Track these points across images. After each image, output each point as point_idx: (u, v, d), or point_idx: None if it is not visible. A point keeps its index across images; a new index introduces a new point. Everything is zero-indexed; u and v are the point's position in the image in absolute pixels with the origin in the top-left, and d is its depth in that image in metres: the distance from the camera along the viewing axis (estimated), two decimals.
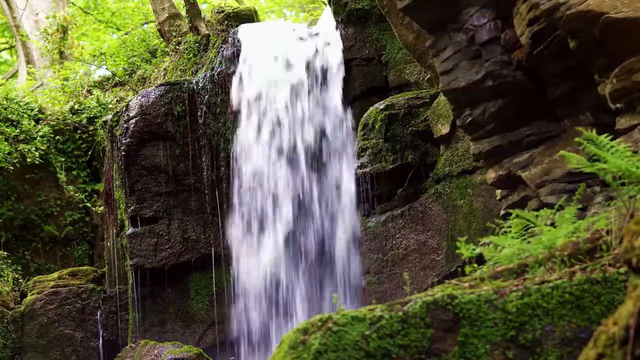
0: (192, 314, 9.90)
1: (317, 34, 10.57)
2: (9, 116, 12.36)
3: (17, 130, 12.13)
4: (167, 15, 12.76)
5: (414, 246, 8.59)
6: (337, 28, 10.40)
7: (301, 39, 10.50)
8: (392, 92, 9.75)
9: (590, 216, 4.06)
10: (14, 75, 19.83)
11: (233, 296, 9.68)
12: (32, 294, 10.28)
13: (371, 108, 9.09)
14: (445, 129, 8.45)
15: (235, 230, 9.76)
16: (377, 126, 8.87)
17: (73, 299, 10.19)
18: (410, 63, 9.63)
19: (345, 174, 9.66)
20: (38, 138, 12.17)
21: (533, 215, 3.49)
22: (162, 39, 13.17)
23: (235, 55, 10.45)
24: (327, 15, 10.89)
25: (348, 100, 10.06)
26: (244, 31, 10.74)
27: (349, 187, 9.53)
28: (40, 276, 10.91)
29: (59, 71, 14.51)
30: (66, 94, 13.67)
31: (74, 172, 12.61)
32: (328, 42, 10.36)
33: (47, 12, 16.51)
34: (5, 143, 11.73)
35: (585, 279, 2.78)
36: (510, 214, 3.69)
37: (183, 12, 12.69)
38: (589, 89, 5.85)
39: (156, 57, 13.53)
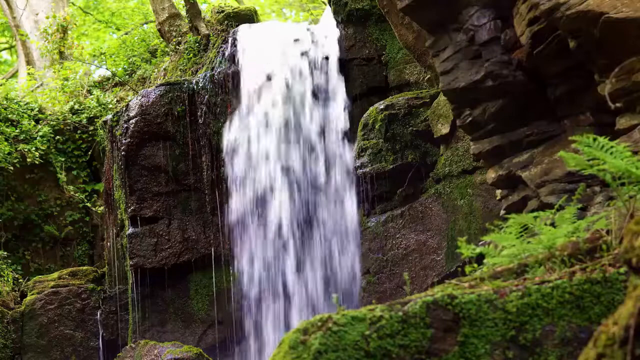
0: (192, 314, 9.90)
1: (315, 35, 10.56)
2: (9, 116, 12.35)
3: (17, 130, 12.12)
4: (167, 15, 12.76)
5: (414, 246, 8.59)
6: (337, 28, 10.40)
7: (300, 40, 10.49)
8: (392, 92, 9.75)
9: (590, 216, 4.06)
10: (14, 75, 19.83)
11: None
12: (32, 294, 10.27)
13: (371, 108, 9.10)
14: (445, 129, 8.45)
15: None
16: (377, 126, 8.87)
17: (73, 299, 10.18)
18: (410, 63, 9.63)
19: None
20: (38, 138, 12.17)
21: (531, 217, 3.50)
22: (162, 39, 13.17)
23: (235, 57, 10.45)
24: (327, 16, 10.90)
25: (349, 99, 10.05)
26: (243, 32, 10.73)
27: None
28: (40, 276, 10.90)
29: (59, 71, 14.50)
30: (66, 94, 13.66)
31: (74, 172, 12.60)
32: (328, 43, 10.35)
33: (47, 12, 16.50)
34: (5, 143, 11.72)
35: (585, 279, 2.78)
36: (510, 214, 3.69)
37: (183, 12, 12.69)
38: (589, 89, 5.86)
39: (156, 57, 13.53)
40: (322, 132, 9.90)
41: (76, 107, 12.94)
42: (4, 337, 9.87)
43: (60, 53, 15.40)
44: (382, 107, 8.92)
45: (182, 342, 9.31)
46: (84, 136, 12.69)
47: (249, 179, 9.76)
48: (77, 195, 12.35)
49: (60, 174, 12.28)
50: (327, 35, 10.43)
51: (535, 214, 3.56)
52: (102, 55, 15.28)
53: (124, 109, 10.28)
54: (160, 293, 9.93)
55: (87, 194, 12.54)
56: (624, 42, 5.21)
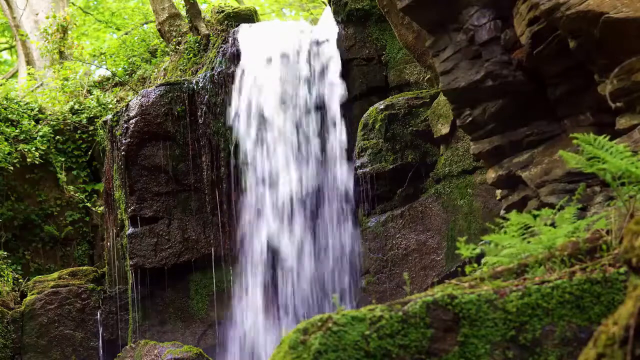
0: (192, 314, 9.90)
1: (315, 35, 10.56)
2: (9, 116, 12.34)
3: (17, 130, 12.12)
4: (167, 15, 12.76)
5: (414, 246, 8.59)
6: (337, 28, 10.40)
7: (300, 40, 10.49)
8: (392, 92, 9.75)
9: (590, 216, 4.06)
10: (14, 75, 19.83)
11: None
12: (32, 294, 10.27)
13: (371, 108, 9.09)
14: (445, 129, 8.45)
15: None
16: (377, 126, 8.87)
17: (73, 299, 10.18)
18: (410, 63, 9.63)
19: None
20: (38, 138, 12.17)
21: (531, 217, 3.50)
22: (162, 39, 13.16)
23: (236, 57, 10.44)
24: (327, 15, 10.89)
25: (348, 99, 10.05)
26: (244, 32, 10.73)
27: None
28: (40, 276, 10.90)
29: (59, 71, 14.50)
30: (66, 94, 13.66)
31: (74, 172, 12.60)
32: (328, 43, 10.35)
33: (47, 12, 16.50)
34: (5, 143, 11.72)
35: (585, 279, 2.78)
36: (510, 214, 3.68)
37: (183, 12, 12.68)
38: (589, 89, 5.86)
39: (156, 57, 13.53)
40: (322, 130, 9.91)
41: (76, 107, 12.94)
42: (4, 337, 9.86)
43: (60, 53, 15.40)
44: (382, 107, 8.92)
45: (182, 342, 9.31)
46: (84, 136, 12.69)
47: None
48: (77, 195, 12.35)
49: (60, 174, 12.28)
50: (326, 35, 10.43)
51: (535, 213, 3.56)
52: (102, 55, 15.27)
53: (124, 109, 10.28)
54: (160, 293, 9.92)
55: (87, 194, 12.54)
56: (624, 42, 5.21)
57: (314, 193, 9.62)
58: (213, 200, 9.93)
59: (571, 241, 3.12)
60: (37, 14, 17.20)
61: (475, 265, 3.28)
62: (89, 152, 12.71)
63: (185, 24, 12.43)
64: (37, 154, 11.89)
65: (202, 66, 10.98)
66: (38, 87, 14.91)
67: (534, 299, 2.74)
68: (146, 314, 9.87)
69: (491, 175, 6.92)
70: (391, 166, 8.79)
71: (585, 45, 5.43)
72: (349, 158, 9.57)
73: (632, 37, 5.16)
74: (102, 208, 11.43)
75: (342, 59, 10.15)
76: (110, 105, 12.90)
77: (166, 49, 12.92)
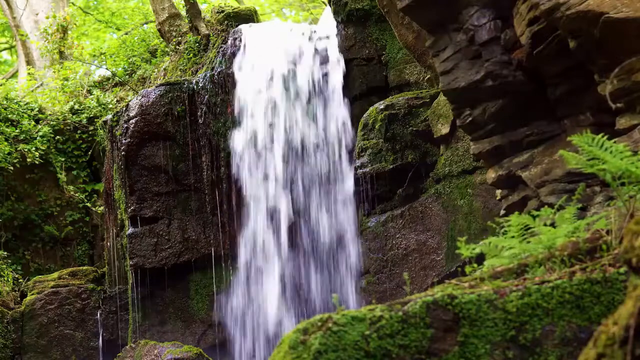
0: (192, 314, 9.90)
1: (315, 35, 10.56)
2: (9, 116, 12.35)
3: (17, 130, 12.12)
4: (167, 15, 12.76)
5: (414, 246, 8.59)
6: (337, 28, 10.39)
7: (299, 40, 10.48)
8: (392, 92, 9.74)
9: (590, 216, 4.06)
10: (14, 75, 19.83)
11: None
12: (32, 294, 10.27)
13: (371, 108, 9.09)
14: (445, 129, 8.45)
15: None
16: (377, 126, 8.87)
17: (73, 299, 10.18)
18: (410, 63, 9.63)
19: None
20: (38, 138, 12.17)
21: (531, 218, 3.50)
22: (162, 39, 13.16)
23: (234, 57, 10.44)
24: (327, 15, 10.89)
25: (349, 99, 10.05)
26: (244, 32, 10.72)
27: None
28: (40, 276, 10.90)
29: (59, 71, 14.50)
30: (66, 94, 13.66)
31: (74, 172, 12.61)
32: (328, 43, 10.35)
33: (47, 12, 16.50)
34: (5, 143, 11.72)
35: (585, 279, 2.78)
36: (510, 214, 3.68)
37: (183, 12, 12.69)
38: (589, 89, 5.86)
39: (156, 57, 13.53)
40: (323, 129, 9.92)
41: (76, 107, 12.95)
42: (4, 337, 9.86)
43: (60, 53, 15.40)
44: (382, 107, 8.92)
45: (182, 342, 9.31)
46: (84, 136, 12.69)
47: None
48: (77, 195, 12.35)
49: (60, 174, 12.28)
50: (327, 35, 10.42)
51: (535, 213, 3.56)
52: (102, 55, 15.27)
53: (124, 109, 10.28)
54: (160, 293, 9.93)
55: (87, 194, 12.55)
56: (624, 42, 5.21)
57: None
58: (213, 200, 9.93)
59: (571, 241, 3.12)
60: (37, 14, 17.20)
61: (475, 265, 3.28)
62: (89, 152, 12.72)
63: (185, 24, 12.43)
64: (37, 154, 11.89)
65: (202, 66, 10.98)
66: (38, 87, 14.92)
67: (534, 299, 2.74)
68: (146, 314, 9.87)
69: (491, 175, 6.93)
70: (391, 166, 8.79)
71: (585, 45, 5.43)
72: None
73: (632, 37, 5.16)
74: (102, 208, 11.44)
75: (342, 59, 10.15)
76: (110, 105, 12.90)
77: (166, 49, 12.92)
